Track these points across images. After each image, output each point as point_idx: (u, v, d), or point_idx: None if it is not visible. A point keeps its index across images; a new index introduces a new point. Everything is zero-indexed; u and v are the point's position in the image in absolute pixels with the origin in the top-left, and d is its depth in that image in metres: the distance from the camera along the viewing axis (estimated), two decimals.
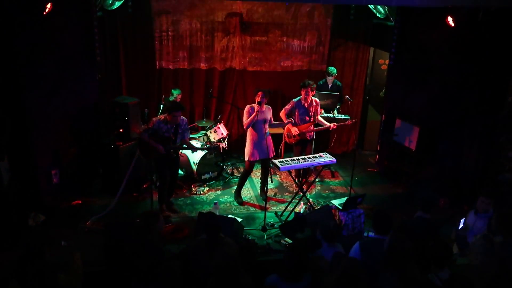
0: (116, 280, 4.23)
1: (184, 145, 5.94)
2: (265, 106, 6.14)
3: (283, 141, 6.89)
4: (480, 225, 4.35)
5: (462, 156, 6.43)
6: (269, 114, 6.26)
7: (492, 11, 5.62)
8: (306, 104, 6.50)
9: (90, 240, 5.17)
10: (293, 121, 6.55)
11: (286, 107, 6.63)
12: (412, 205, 4.53)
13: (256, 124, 6.12)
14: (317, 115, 6.64)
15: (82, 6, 6.38)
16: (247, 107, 6.17)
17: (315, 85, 6.54)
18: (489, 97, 6.06)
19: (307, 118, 6.57)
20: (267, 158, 6.17)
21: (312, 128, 6.62)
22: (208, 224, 3.98)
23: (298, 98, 6.57)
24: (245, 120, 6.13)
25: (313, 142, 6.90)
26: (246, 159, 6.32)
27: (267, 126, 6.24)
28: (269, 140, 6.24)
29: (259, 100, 6.01)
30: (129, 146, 6.50)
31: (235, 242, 4.15)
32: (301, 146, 6.69)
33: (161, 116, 5.82)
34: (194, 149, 5.92)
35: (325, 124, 6.60)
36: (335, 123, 6.63)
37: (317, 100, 6.65)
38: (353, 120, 6.89)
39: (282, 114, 6.60)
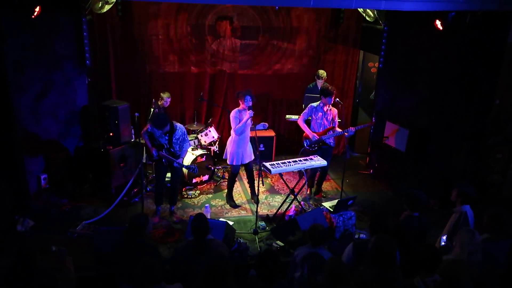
0: (106, 285, 4.20)
1: (176, 163, 5.80)
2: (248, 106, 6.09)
3: (302, 149, 6.51)
4: (452, 219, 4.41)
5: (452, 158, 6.49)
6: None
7: (479, 15, 5.70)
8: (325, 108, 6.28)
9: (80, 246, 5.12)
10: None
11: (304, 111, 6.42)
12: (402, 206, 4.54)
13: (244, 128, 6.11)
14: (335, 122, 6.41)
15: (71, 10, 6.34)
16: (234, 111, 6.11)
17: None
18: (477, 100, 6.13)
19: (326, 123, 6.39)
20: (250, 161, 6.28)
21: (331, 133, 6.35)
22: (194, 227, 3.96)
23: (316, 103, 6.35)
24: (235, 125, 6.07)
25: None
26: (229, 162, 6.31)
27: (249, 129, 6.19)
28: (249, 143, 6.27)
29: (250, 105, 5.99)
30: (119, 150, 6.45)
31: (226, 245, 4.13)
32: (321, 153, 6.33)
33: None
34: (180, 165, 5.85)
35: (340, 130, 6.31)
36: (352, 127, 6.30)
37: (335, 109, 6.44)
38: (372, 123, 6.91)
39: (300, 120, 6.41)
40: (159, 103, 7.14)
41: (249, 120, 6.02)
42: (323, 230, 4.05)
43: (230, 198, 6.54)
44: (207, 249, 3.88)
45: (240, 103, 6.07)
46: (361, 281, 3.37)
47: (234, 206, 6.47)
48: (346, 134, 6.29)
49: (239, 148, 6.18)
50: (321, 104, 6.31)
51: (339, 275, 3.28)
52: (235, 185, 6.71)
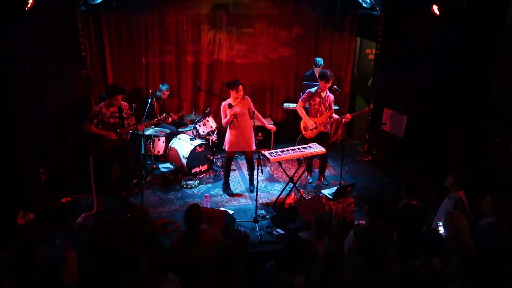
0: (108, 276, 4.22)
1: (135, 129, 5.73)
2: (242, 95, 6.07)
3: (300, 136, 6.65)
4: (447, 205, 4.46)
5: (449, 143, 6.51)
6: (247, 105, 6.14)
7: None
8: (322, 93, 6.29)
9: (81, 238, 5.14)
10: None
11: (303, 97, 6.42)
12: (400, 192, 4.56)
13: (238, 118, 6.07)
14: (331, 108, 6.45)
15: (65, 1, 6.28)
16: (223, 104, 6.08)
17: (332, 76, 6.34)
18: (475, 85, 6.12)
19: (323, 109, 6.39)
20: (248, 151, 6.25)
21: (329, 119, 6.39)
22: (186, 217, 3.96)
23: (314, 89, 6.37)
24: (222, 119, 6.11)
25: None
26: (224, 147, 6.32)
27: (248, 117, 6.13)
28: (251, 132, 6.20)
29: (231, 103, 5.97)
30: None
31: (220, 234, 4.14)
32: (319, 140, 6.40)
33: (101, 104, 5.66)
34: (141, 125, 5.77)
35: (338, 117, 6.37)
36: (349, 114, 6.38)
37: (332, 95, 6.46)
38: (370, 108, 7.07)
39: (298, 107, 6.40)
40: (157, 94, 7.12)
41: (235, 110, 6.00)
42: (330, 220, 4.07)
43: (226, 187, 6.55)
44: (199, 239, 3.89)
45: (233, 93, 6.04)
46: (356, 271, 3.40)
47: (231, 194, 6.49)
48: (343, 120, 6.30)
49: (233, 136, 6.17)
50: (319, 90, 6.30)
51: (338, 262, 3.30)
52: (235, 174, 6.71)
